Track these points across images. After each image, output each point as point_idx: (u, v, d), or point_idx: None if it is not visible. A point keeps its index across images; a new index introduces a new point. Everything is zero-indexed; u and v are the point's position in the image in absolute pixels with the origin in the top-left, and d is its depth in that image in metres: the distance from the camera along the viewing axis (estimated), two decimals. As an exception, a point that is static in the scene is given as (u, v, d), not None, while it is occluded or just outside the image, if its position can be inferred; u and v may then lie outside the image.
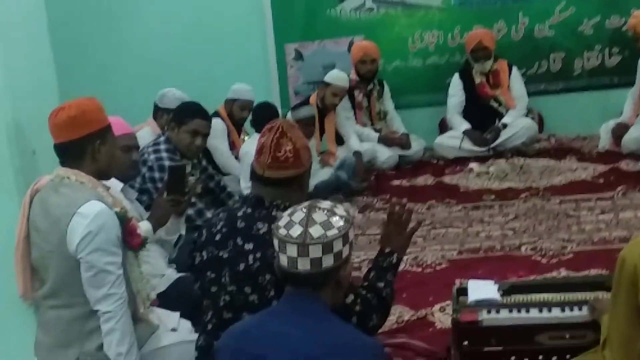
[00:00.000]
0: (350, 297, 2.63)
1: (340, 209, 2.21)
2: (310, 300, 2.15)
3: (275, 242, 2.17)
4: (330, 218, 2.16)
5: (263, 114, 5.60)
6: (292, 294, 2.18)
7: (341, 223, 2.16)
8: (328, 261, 2.13)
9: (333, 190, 5.95)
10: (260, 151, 2.73)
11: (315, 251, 2.11)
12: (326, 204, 2.22)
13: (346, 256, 2.18)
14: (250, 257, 2.63)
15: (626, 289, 2.18)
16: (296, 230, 2.13)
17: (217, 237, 2.75)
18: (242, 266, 2.65)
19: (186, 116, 4.50)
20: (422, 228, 5.17)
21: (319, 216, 2.15)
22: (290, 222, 2.15)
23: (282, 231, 2.15)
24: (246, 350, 2.14)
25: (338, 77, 6.56)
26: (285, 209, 2.44)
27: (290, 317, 2.13)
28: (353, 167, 6.30)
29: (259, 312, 2.29)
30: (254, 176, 2.77)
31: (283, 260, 2.15)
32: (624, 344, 2.21)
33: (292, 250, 2.12)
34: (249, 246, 2.65)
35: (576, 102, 7.28)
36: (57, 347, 2.84)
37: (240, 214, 2.75)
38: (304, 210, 2.17)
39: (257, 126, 5.70)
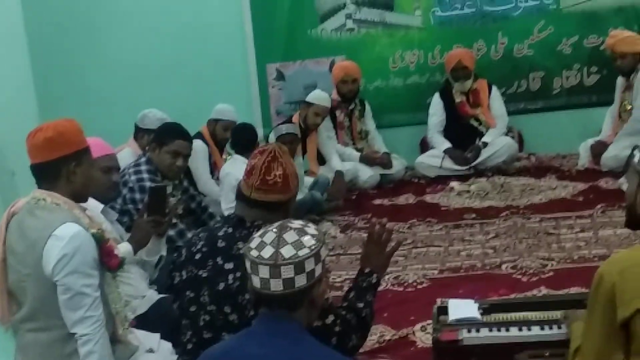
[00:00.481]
0: (330, 318, 2.63)
1: (311, 228, 2.20)
2: (284, 322, 2.13)
3: (247, 264, 2.16)
4: (302, 237, 2.14)
5: (242, 136, 5.63)
6: (266, 316, 2.16)
7: (312, 242, 2.14)
8: (301, 281, 2.11)
9: (308, 209, 5.96)
10: (250, 172, 2.75)
11: (287, 271, 2.10)
12: (297, 223, 2.21)
13: (319, 275, 2.16)
14: (230, 277, 2.64)
15: (602, 306, 2.19)
16: (268, 251, 2.12)
17: (197, 257, 2.75)
18: (221, 285, 2.65)
19: (167, 137, 4.50)
20: (404, 247, 5.19)
21: (290, 236, 2.14)
22: (262, 243, 2.14)
23: (254, 252, 2.14)
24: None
25: (320, 97, 6.58)
26: None
27: (266, 339, 2.12)
28: (326, 186, 6.32)
29: (237, 333, 2.28)
30: (240, 196, 2.78)
31: (255, 282, 2.14)
32: (598, 357, 2.22)
33: (264, 272, 2.11)
34: (229, 266, 2.65)
35: (555, 120, 7.34)
36: (36, 371, 2.82)
37: (220, 233, 2.76)
38: (275, 230, 2.16)
39: (236, 147, 5.71)
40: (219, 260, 2.68)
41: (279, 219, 2.52)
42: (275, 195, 2.72)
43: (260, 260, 2.11)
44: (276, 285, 2.10)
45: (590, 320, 2.26)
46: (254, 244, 2.15)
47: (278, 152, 2.74)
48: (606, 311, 2.18)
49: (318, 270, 2.15)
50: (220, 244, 2.72)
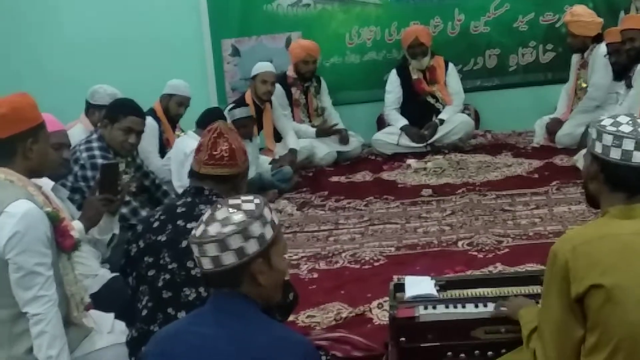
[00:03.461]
0: (291, 295, 2.84)
1: (250, 204, 2.10)
2: (235, 300, 2.07)
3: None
4: (232, 214, 2.05)
5: (211, 118, 5.51)
6: (215, 295, 2.11)
7: (242, 218, 2.04)
8: (228, 259, 2.03)
9: (258, 190, 5.90)
10: (198, 150, 2.88)
11: (211, 249, 2.02)
12: (241, 199, 2.13)
13: (255, 252, 2.05)
14: None
15: (558, 284, 2.20)
16: (199, 230, 2.06)
17: (155, 225, 2.82)
18: (184, 243, 2.69)
19: (119, 113, 4.41)
20: (361, 224, 5.20)
21: (221, 213, 2.06)
22: (200, 222, 2.09)
23: (193, 232, 2.08)
24: (172, 352, 2.07)
25: (261, 66, 6.56)
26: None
27: (216, 318, 2.06)
28: (288, 178, 6.28)
29: (187, 314, 2.24)
30: (192, 173, 2.91)
31: (196, 261, 2.12)
32: (558, 334, 2.22)
33: (195, 250, 2.06)
34: (191, 225, 2.70)
35: (511, 98, 7.39)
36: (-15, 351, 2.75)
37: (179, 203, 2.88)
38: (212, 207, 2.11)
39: (202, 126, 5.61)
40: (180, 222, 2.77)
41: (229, 191, 2.71)
42: (223, 169, 2.84)
43: (192, 239, 2.06)
44: (206, 264, 2.05)
45: (548, 299, 2.26)
46: (198, 223, 2.10)
47: (223, 129, 2.88)
48: (562, 288, 2.19)
49: (251, 247, 2.04)
50: (180, 209, 2.82)
